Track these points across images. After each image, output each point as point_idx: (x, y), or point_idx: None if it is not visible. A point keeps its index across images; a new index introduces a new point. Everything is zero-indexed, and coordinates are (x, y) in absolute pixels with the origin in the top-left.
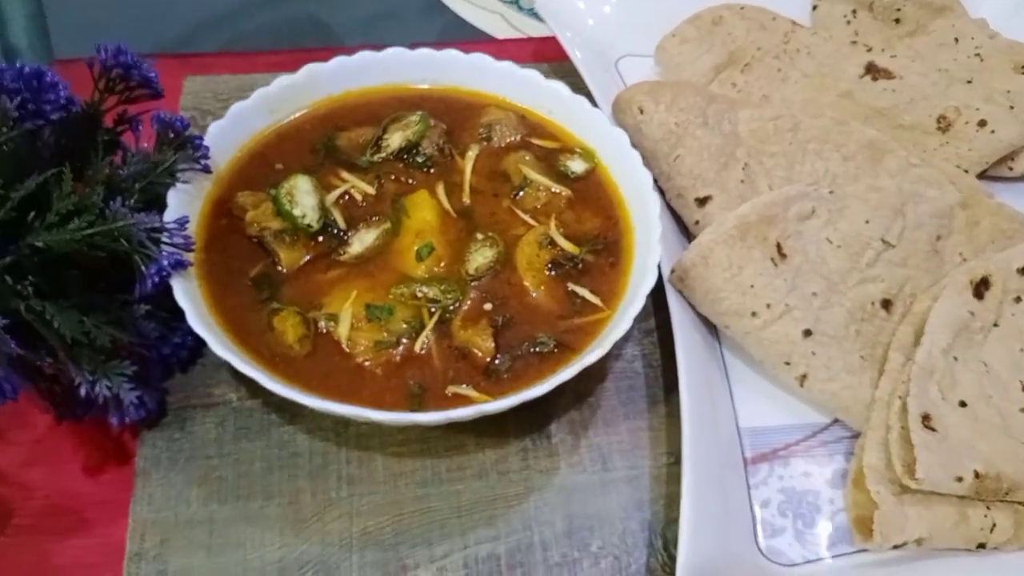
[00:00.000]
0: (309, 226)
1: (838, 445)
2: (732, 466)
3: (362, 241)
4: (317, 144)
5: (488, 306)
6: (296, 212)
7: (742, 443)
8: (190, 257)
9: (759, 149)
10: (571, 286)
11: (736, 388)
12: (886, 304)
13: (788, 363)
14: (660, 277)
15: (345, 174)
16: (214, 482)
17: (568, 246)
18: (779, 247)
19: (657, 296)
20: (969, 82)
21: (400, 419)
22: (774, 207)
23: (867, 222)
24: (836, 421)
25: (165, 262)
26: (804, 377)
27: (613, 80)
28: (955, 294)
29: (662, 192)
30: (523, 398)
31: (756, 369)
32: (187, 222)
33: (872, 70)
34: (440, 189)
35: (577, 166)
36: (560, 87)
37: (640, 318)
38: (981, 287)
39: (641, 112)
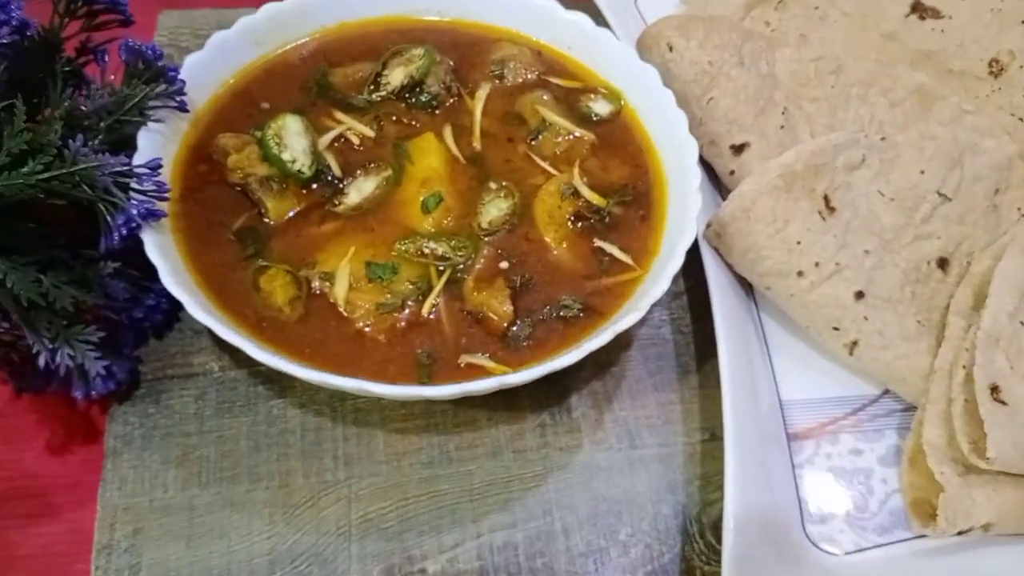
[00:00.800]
0: (300, 172)
1: (890, 419)
2: (775, 443)
3: (360, 190)
4: (309, 81)
5: (504, 264)
6: (285, 156)
7: (785, 418)
8: (164, 207)
9: (799, 93)
10: (597, 242)
11: (776, 357)
12: (942, 263)
13: (837, 328)
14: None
15: (340, 115)
16: (194, 463)
17: (593, 197)
18: (827, 200)
19: (690, 255)
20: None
21: (408, 393)
22: (822, 155)
23: (922, 172)
24: (887, 392)
25: (135, 211)
26: (855, 344)
27: (634, 20)
28: (1019, 253)
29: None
30: (547, 369)
31: (797, 335)
32: (160, 166)
33: (918, 9)
34: (447, 132)
35: (601, 108)
36: (582, 19)
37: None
38: None
39: (670, 49)
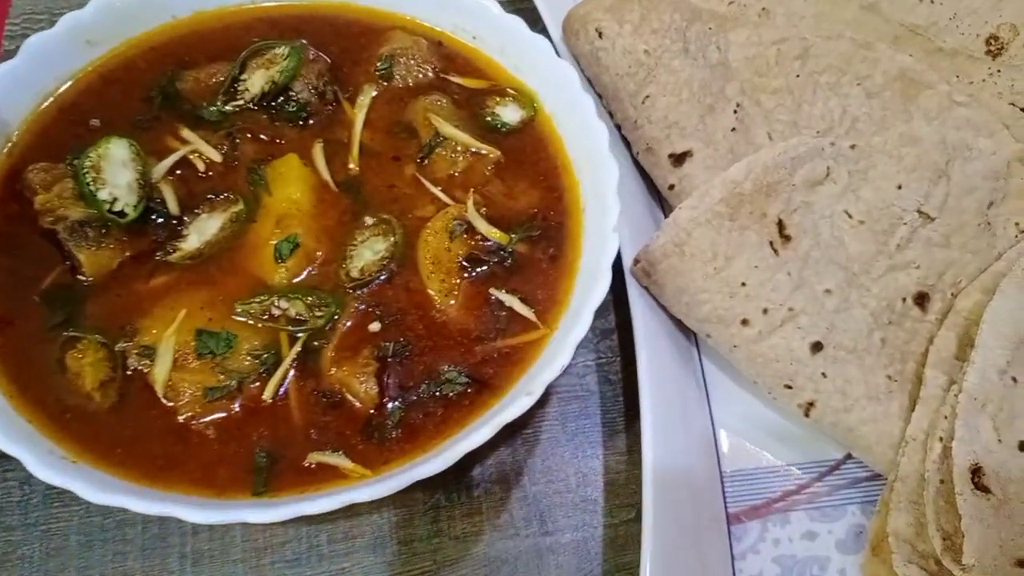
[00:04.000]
0: (122, 214)
1: (852, 491)
2: (712, 527)
3: (202, 232)
4: (152, 89)
5: (375, 327)
6: (103, 195)
7: (726, 493)
8: None
9: (757, 84)
10: (495, 293)
11: (719, 414)
12: (921, 299)
13: (790, 387)
14: (621, 268)
15: (186, 132)
16: (14, 565)
17: (493, 233)
18: (781, 226)
19: (619, 285)
20: None
21: (223, 518)
22: (777, 170)
23: (900, 188)
24: (851, 456)
25: None
26: (811, 405)
27: None
28: (1015, 288)
29: (628, 144)
30: (414, 476)
31: (747, 387)
32: None
33: None
34: (317, 151)
35: (510, 115)
36: (488, 3)
37: (594, 317)
38: None
39: (600, 36)
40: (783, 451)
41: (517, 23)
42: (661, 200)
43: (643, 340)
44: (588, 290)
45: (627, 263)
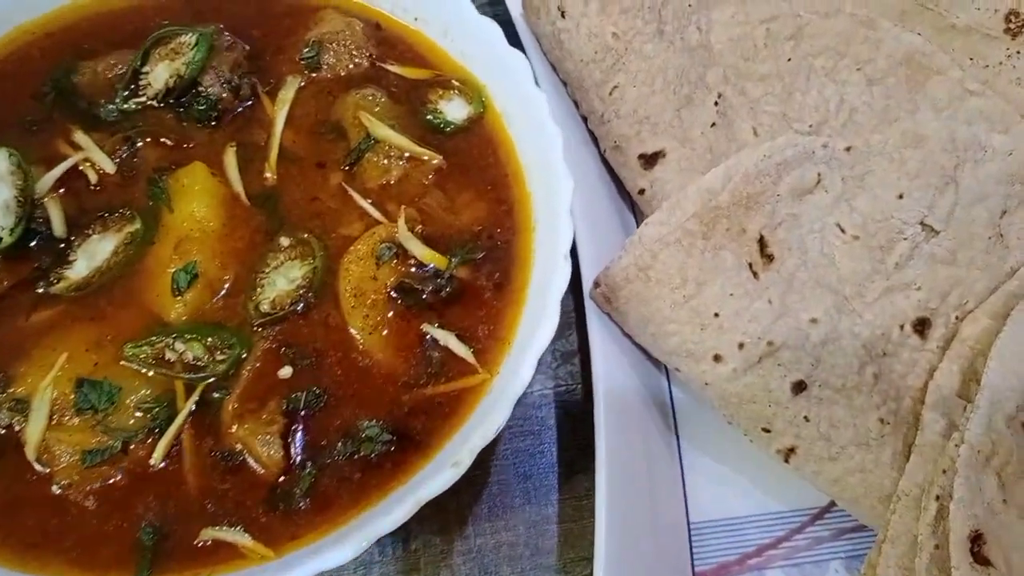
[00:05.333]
0: None
1: (836, 544)
2: None
3: (91, 257)
4: (44, 84)
5: (286, 372)
6: None
7: (693, 548)
8: None
9: (742, 70)
10: (428, 329)
11: (690, 457)
12: (921, 325)
13: (768, 430)
14: (580, 289)
15: (79, 136)
16: None
17: (428, 256)
18: (763, 244)
19: (582, 303)
20: None
21: None
22: (759, 179)
23: (900, 196)
24: (835, 505)
25: None
26: (791, 451)
27: None
28: None
29: (596, 140)
30: (321, 567)
31: (723, 424)
32: None
33: None
34: (229, 157)
35: (455, 111)
36: None
37: (554, 338)
38: None
39: (563, 15)
40: (760, 497)
41: (462, 3)
42: (633, 204)
43: (602, 374)
44: (533, 330)
45: (587, 284)
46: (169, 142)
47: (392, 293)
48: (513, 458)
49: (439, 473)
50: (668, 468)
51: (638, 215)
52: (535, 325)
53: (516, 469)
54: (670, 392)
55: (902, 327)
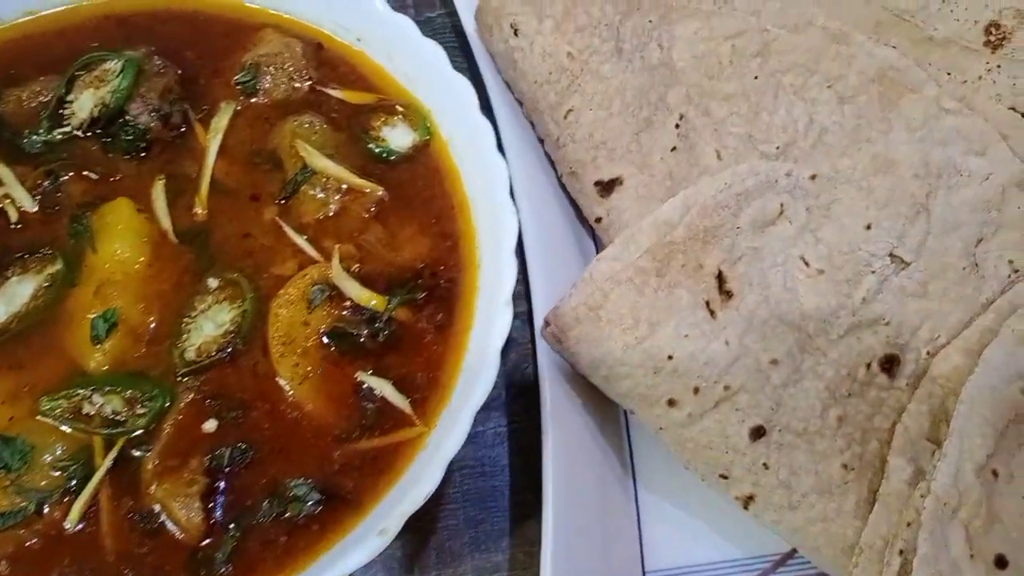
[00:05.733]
0: None
1: None
2: None
3: (10, 301)
4: None
5: (210, 425)
6: None
7: None
8: None
9: (706, 89)
10: (363, 377)
11: (647, 500)
12: (889, 364)
13: (726, 477)
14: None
15: (0, 168)
16: None
17: (365, 296)
18: (722, 280)
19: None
20: None
21: None
22: (717, 211)
23: (868, 227)
24: (796, 552)
25: None
26: (750, 499)
27: None
28: (1003, 355)
29: (553, 164)
30: None
31: (680, 469)
32: None
33: None
34: (158, 191)
35: (399, 139)
36: None
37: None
38: None
39: (516, 33)
40: (721, 543)
41: (406, 24)
42: (593, 235)
43: (552, 415)
44: (472, 380)
45: (538, 322)
46: (94, 175)
47: (324, 339)
48: (464, 501)
49: (365, 541)
50: (623, 513)
51: (598, 242)
52: (474, 376)
53: (467, 512)
54: (627, 433)
55: (869, 365)
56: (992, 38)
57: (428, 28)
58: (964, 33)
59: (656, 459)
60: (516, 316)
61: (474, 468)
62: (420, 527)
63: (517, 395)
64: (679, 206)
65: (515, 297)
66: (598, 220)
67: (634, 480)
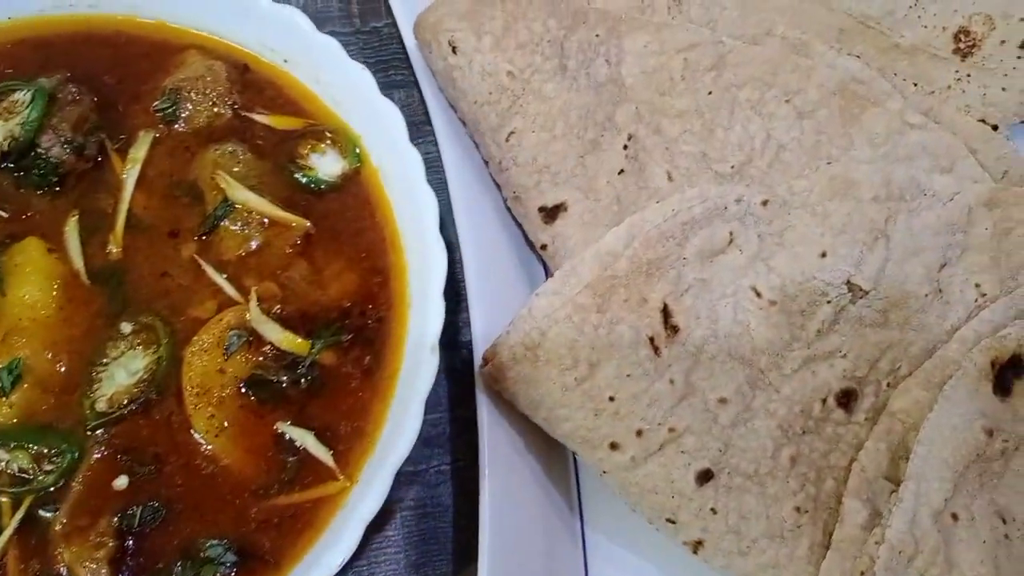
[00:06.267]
0: None
1: None
2: None
3: None
4: None
5: (121, 482)
6: None
7: None
8: None
9: (657, 106)
10: (282, 428)
11: (595, 542)
12: (846, 398)
13: (673, 522)
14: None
15: None
16: None
17: (287, 341)
18: (667, 314)
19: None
20: None
21: None
22: (662, 242)
23: (824, 255)
24: None
25: None
26: (699, 544)
27: None
28: (965, 392)
29: (498, 186)
30: None
31: (627, 510)
32: None
33: None
34: (70, 228)
35: (328, 166)
36: (297, 18)
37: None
38: (1007, 374)
39: (454, 51)
40: None
41: (331, 46)
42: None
43: (490, 456)
44: (396, 432)
45: (477, 357)
46: (5, 213)
47: (242, 387)
48: (406, 544)
49: None
50: (569, 556)
51: (547, 267)
52: (398, 427)
53: (407, 556)
54: (575, 473)
55: (824, 401)
56: (962, 45)
57: (375, 38)
58: (932, 40)
59: (605, 499)
60: (462, 346)
61: (416, 508)
62: (359, 570)
63: (462, 430)
64: (623, 235)
65: (461, 324)
66: (543, 247)
67: (582, 521)
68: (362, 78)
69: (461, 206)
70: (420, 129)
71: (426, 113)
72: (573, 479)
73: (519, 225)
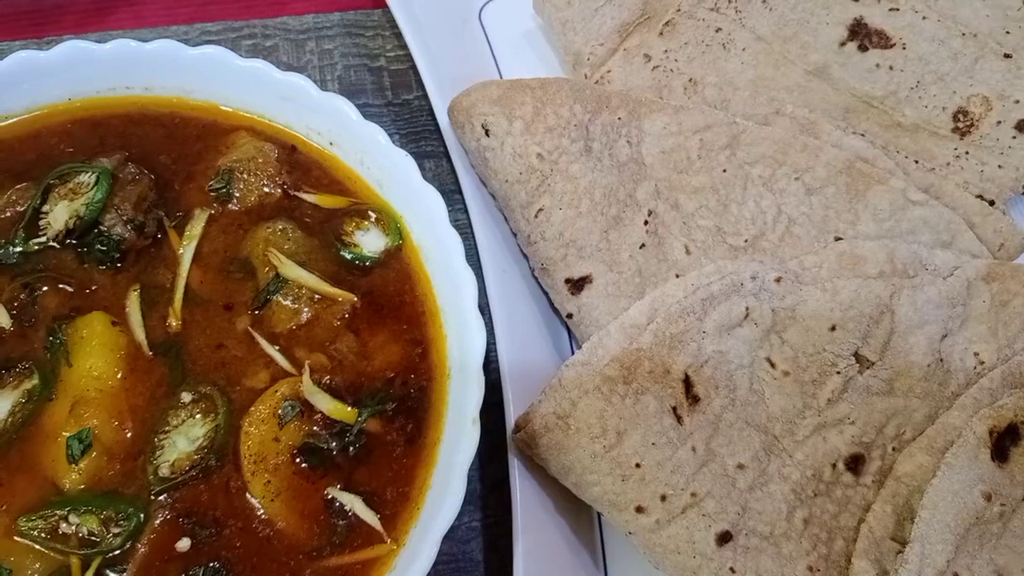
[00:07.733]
0: None
1: None
2: None
3: None
4: None
5: (184, 544)
6: None
7: None
8: None
9: (675, 183)
10: (333, 493)
11: None
12: (855, 463)
13: None
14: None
15: None
16: None
17: (336, 410)
18: (688, 385)
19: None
20: (1008, 56)
21: None
22: (683, 318)
23: (833, 329)
24: None
25: None
26: None
27: (473, 39)
28: (966, 459)
29: (526, 256)
30: None
31: (650, 569)
32: None
33: (860, 33)
34: (132, 302)
35: (372, 243)
36: (342, 105)
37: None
38: (1005, 442)
39: (487, 133)
40: None
41: (375, 133)
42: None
43: (522, 518)
44: (439, 498)
45: (510, 423)
46: (69, 287)
47: (295, 455)
48: None
49: None
50: None
51: (572, 339)
52: (442, 494)
53: None
54: (600, 532)
55: (834, 465)
56: (960, 124)
57: (406, 110)
58: (932, 119)
59: (629, 558)
60: (494, 406)
61: (449, 563)
62: None
63: (493, 487)
64: (646, 310)
65: (493, 387)
66: (569, 316)
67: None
68: (405, 164)
69: (492, 275)
70: (450, 197)
71: (455, 182)
72: (599, 538)
73: (544, 292)
